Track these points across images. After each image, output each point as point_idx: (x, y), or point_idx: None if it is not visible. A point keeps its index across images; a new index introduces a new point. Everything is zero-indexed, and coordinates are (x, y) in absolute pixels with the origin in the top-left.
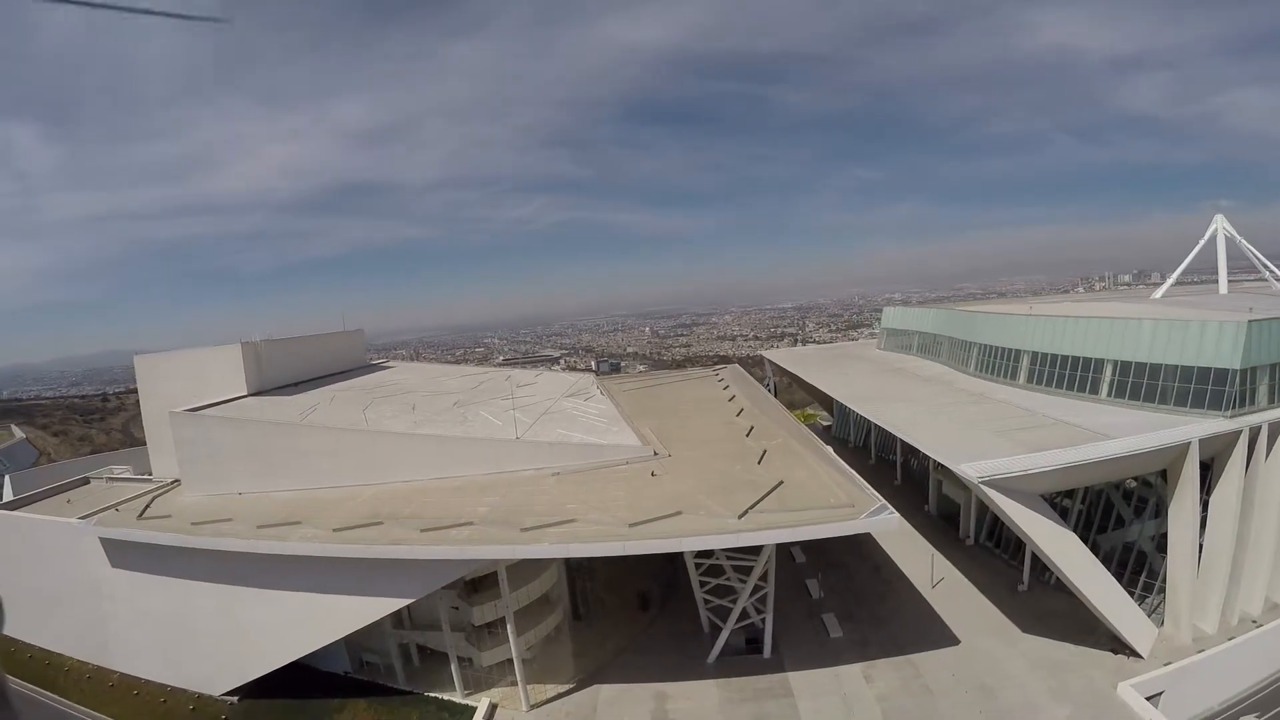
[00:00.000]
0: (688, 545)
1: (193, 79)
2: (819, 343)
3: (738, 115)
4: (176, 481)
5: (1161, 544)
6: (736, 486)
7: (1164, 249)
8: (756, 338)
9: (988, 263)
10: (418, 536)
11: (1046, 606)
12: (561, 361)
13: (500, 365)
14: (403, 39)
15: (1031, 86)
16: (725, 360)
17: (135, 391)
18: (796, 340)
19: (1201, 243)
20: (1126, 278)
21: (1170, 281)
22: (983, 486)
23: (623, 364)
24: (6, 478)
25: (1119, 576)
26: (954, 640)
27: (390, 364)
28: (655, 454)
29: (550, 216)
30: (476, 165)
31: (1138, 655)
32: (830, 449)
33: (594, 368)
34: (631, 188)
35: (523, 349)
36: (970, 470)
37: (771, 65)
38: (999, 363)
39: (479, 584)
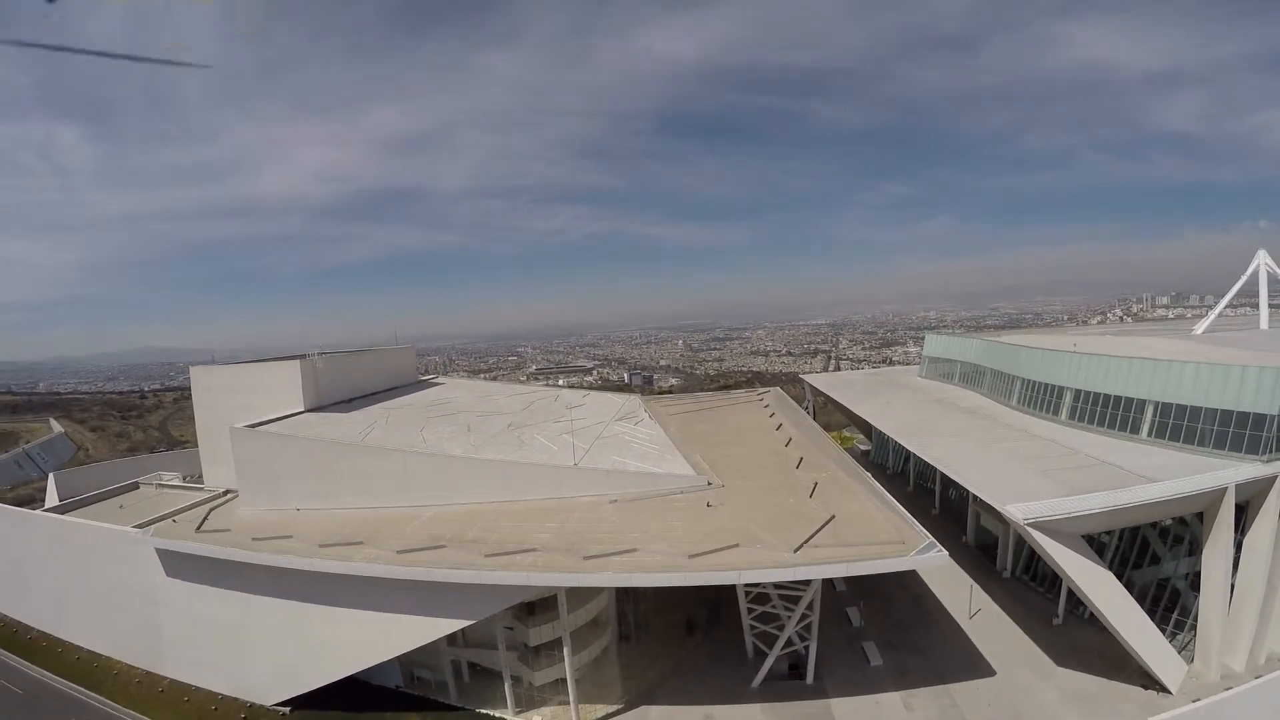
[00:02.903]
0: (746, 579)
1: (232, 84)
2: (853, 360)
3: (771, 128)
4: (229, 492)
5: (1195, 582)
6: (790, 519)
7: (1202, 269)
8: (790, 353)
9: (1024, 280)
10: (483, 561)
11: (1080, 640)
12: (594, 373)
13: (533, 374)
14: (439, 48)
15: (1065, 102)
16: (759, 376)
17: (172, 389)
18: (830, 357)
19: (1243, 279)
20: (1165, 299)
21: (1212, 316)
22: (1028, 528)
23: (655, 377)
24: (51, 478)
25: (1152, 612)
26: (990, 671)
27: (440, 380)
28: (709, 484)
29: (583, 227)
30: (510, 174)
31: (1167, 691)
32: (878, 484)
33: (627, 380)
34: (665, 200)
35: (555, 359)
36: (1016, 512)
37: (805, 79)
38: (1042, 398)
39: (535, 606)
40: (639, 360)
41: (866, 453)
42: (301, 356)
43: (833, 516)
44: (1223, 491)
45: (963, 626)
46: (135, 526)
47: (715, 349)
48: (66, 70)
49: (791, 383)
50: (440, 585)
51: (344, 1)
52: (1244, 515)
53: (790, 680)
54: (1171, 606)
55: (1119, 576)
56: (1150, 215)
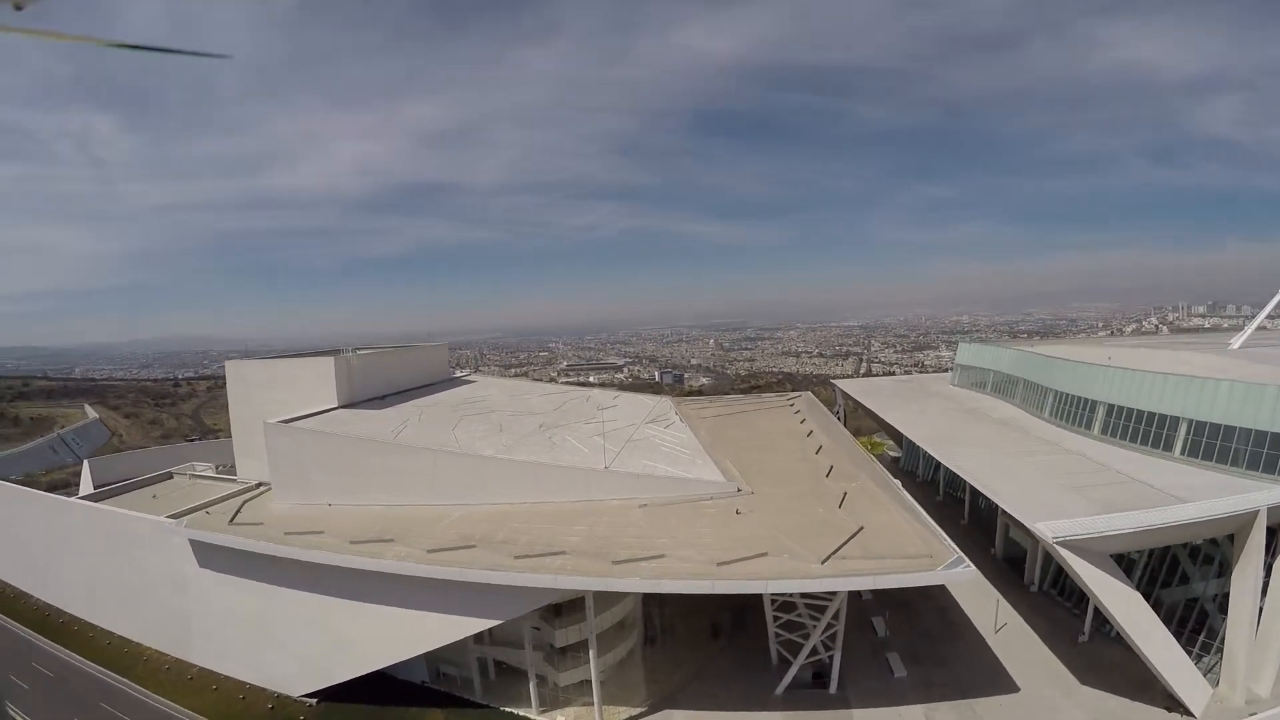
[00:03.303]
0: (774, 589)
1: (268, 76)
2: (884, 363)
3: (807, 127)
4: (261, 485)
5: (1223, 603)
6: (818, 529)
7: (1241, 278)
8: (821, 355)
9: (1059, 285)
10: (513, 563)
11: (1105, 659)
12: (625, 370)
13: (564, 370)
14: (476, 42)
15: (1104, 105)
16: (790, 377)
17: (205, 378)
18: (862, 359)
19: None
20: (1201, 309)
21: (1250, 329)
22: (1057, 547)
23: (686, 376)
24: (86, 464)
25: (1179, 632)
26: (1014, 687)
27: (472, 377)
28: (739, 490)
29: (617, 224)
30: (545, 170)
31: (1191, 715)
32: (907, 494)
33: (657, 378)
34: (698, 197)
35: (586, 355)
36: (1046, 530)
37: (842, 78)
38: (1074, 411)
39: (562, 607)
40: (670, 358)
41: (897, 459)
42: (335, 353)
43: (861, 528)
44: (1254, 515)
45: (988, 640)
46: (169, 516)
47: (746, 349)
48: (104, 62)
49: (822, 385)
50: (470, 585)
51: None
52: (1275, 538)
53: (814, 689)
54: (1199, 628)
55: (1147, 594)
56: (1188, 222)
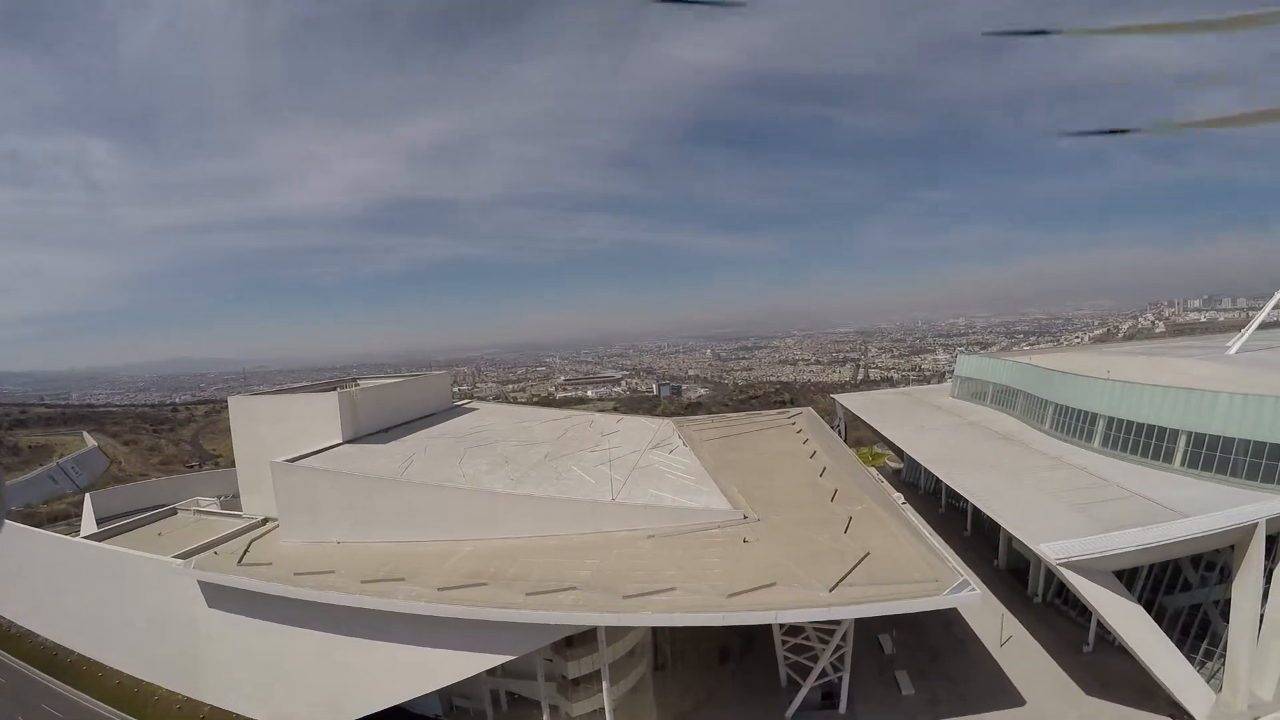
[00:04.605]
0: (783, 619)
1: (262, 95)
2: (882, 368)
3: (800, 135)
4: (268, 520)
5: (1226, 609)
6: (825, 556)
7: (1235, 270)
8: (818, 362)
9: (1054, 285)
10: (524, 600)
11: (1109, 669)
12: (623, 383)
13: (561, 385)
14: (469, 57)
15: (1096, 102)
16: (787, 386)
17: (203, 401)
18: (859, 365)
19: (1277, 300)
20: (1197, 303)
21: (1248, 332)
22: (1060, 568)
23: (684, 387)
24: (88, 499)
25: (1183, 639)
26: (1020, 700)
27: (474, 405)
28: (745, 517)
29: (612, 235)
30: (539, 183)
31: None
32: (911, 518)
33: (655, 390)
34: (693, 209)
35: (584, 369)
36: (1049, 551)
37: (834, 85)
38: (1074, 424)
39: (574, 639)
40: (667, 370)
41: (898, 471)
42: (335, 387)
43: (867, 554)
44: (1253, 527)
45: (993, 654)
46: (176, 557)
47: (744, 358)
48: (98, 83)
49: (819, 393)
50: (483, 622)
51: (374, 12)
52: (1275, 545)
53: (824, 710)
54: (1202, 634)
55: (1151, 602)
56: (1182, 217)
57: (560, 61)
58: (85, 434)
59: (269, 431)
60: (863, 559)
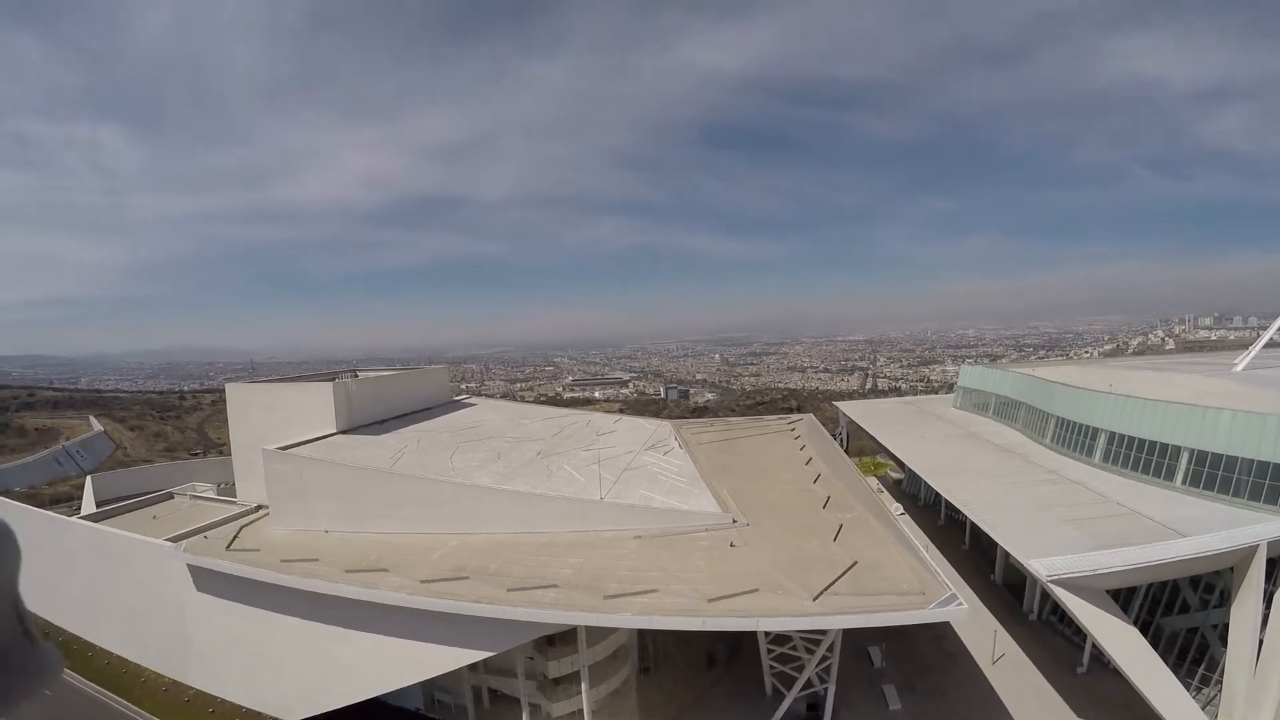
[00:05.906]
0: (764, 626)
1: (275, 88)
2: (890, 378)
3: (813, 141)
4: (260, 508)
5: (1224, 633)
6: (812, 564)
7: (1248, 289)
8: (826, 370)
9: (1065, 298)
10: (504, 596)
11: (1103, 691)
12: (631, 385)
13: (569, 385)
14: (482, 55)
15: (1110, 117)
16: (794, 393)
17: (210, 390)
18: (867, 375)
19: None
20: (1208, 320)
21: (1255, 350)
22: (1052, 585)
23: (691, 391)
24: (89, 481)
25: (1179, 663)
26: None
27: (472, 400)
28: (734, 521)
29: (623, 239)
30: (551, 184)
31: None
32: (904, 527)
33: (663, 394)
34: (705, 212)
35: (592, 370)
36: (1040, 568)
37: (848, 91)
38: (1075, 438)
39: (555, 638)
40: (675, 373)
41: (899, 482)
42: (334, 378)
43: (855, 563)
44: (1254, 549)
45: (985, 671)
46: (168, 540)
47: (752, 364)
48: (113, 72)
49: (826, 401)
50: (463, 617)
51: (388, 8)
52: (1276, 568)
53: None
54: (1199, 658)
55: (1148, 623)
56: (1195, 234)
57: (573, 61)
58: (92, 418)
59: (264, 419)
60: (850, 568)
